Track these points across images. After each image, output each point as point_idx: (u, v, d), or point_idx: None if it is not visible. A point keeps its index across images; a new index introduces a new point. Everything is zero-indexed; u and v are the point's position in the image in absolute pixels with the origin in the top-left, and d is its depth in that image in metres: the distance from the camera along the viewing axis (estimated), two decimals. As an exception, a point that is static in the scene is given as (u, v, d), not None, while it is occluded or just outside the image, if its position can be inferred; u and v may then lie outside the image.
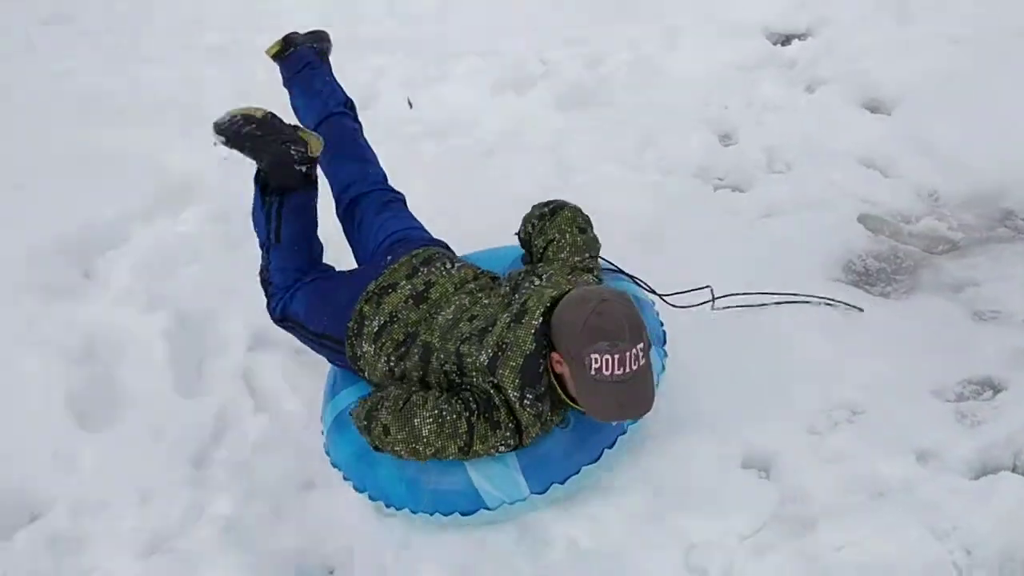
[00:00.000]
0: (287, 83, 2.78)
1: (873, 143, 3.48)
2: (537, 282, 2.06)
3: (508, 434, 1.90)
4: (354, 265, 2.46)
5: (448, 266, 2.22)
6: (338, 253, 2.54)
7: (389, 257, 2.26)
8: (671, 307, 2.40)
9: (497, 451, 1.92)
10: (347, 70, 4.45)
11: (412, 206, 2.57)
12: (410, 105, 4.17)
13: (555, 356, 1.89)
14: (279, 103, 2.60)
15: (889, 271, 2.87)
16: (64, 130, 3.82)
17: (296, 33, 2.83)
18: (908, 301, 2.70)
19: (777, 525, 1.96)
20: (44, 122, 3.94)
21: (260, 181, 2.30)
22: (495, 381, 1.90)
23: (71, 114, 4.02)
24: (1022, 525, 1.86)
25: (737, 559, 1.91)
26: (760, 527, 1.96)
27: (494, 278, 2.23)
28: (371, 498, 2.07)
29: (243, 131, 2.19)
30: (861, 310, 2.60)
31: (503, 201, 3.20)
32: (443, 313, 2.09)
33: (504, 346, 1.90)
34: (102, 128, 3.82)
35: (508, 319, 1.95)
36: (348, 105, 2.67)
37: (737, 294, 2.57)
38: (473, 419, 1.89)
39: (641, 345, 1.81)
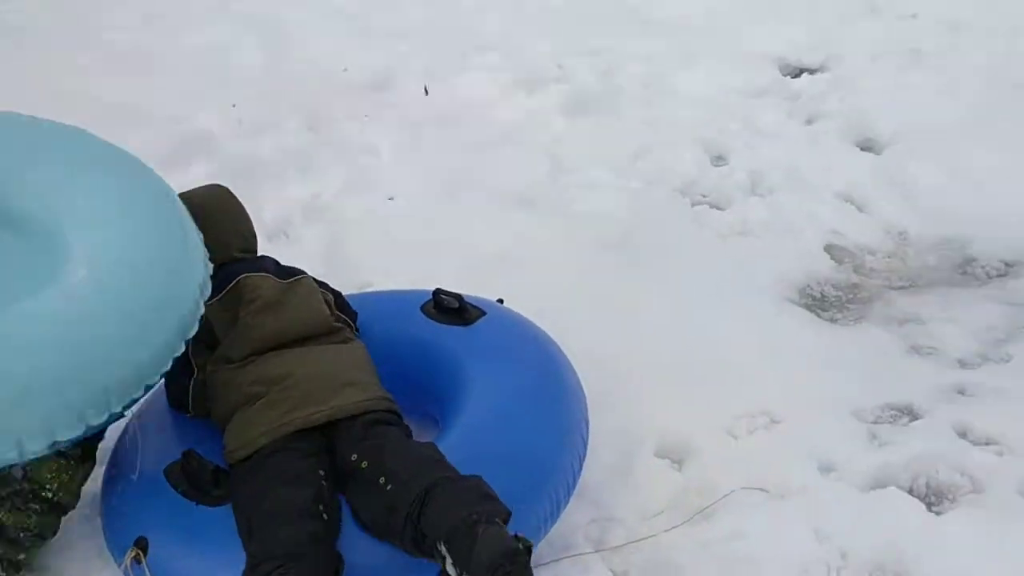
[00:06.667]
0: None
1: (857, 179, 3.59)
2: None
3: None
4: None
5: None
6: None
7: None
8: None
9: None
10: (372, 49, 4.68)
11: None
12: (426, 92, 4.35)
13: None
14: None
15: (844, 299, 3.00)
16: (96, 78, 4.05)
17: None
18: (853, 328, 2.83)
19: (676, 511, 2.11)
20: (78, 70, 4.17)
21: None
22: None
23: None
24: (898, 538, 1.99)
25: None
26: (660, 511, 2.12)
27: None
28: None
29: None
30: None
31: (491, 196, 3.41)
32: None
33: None
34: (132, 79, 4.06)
35: None
36: None
37: None
38: None
39: None
